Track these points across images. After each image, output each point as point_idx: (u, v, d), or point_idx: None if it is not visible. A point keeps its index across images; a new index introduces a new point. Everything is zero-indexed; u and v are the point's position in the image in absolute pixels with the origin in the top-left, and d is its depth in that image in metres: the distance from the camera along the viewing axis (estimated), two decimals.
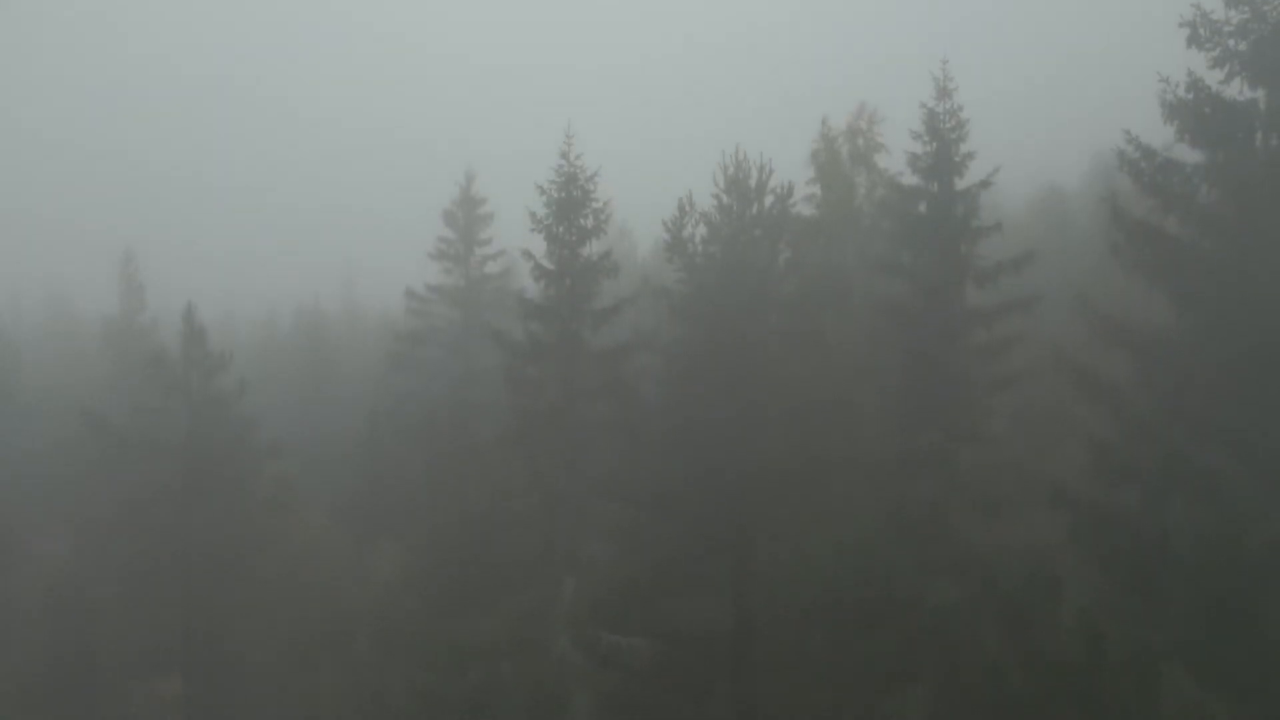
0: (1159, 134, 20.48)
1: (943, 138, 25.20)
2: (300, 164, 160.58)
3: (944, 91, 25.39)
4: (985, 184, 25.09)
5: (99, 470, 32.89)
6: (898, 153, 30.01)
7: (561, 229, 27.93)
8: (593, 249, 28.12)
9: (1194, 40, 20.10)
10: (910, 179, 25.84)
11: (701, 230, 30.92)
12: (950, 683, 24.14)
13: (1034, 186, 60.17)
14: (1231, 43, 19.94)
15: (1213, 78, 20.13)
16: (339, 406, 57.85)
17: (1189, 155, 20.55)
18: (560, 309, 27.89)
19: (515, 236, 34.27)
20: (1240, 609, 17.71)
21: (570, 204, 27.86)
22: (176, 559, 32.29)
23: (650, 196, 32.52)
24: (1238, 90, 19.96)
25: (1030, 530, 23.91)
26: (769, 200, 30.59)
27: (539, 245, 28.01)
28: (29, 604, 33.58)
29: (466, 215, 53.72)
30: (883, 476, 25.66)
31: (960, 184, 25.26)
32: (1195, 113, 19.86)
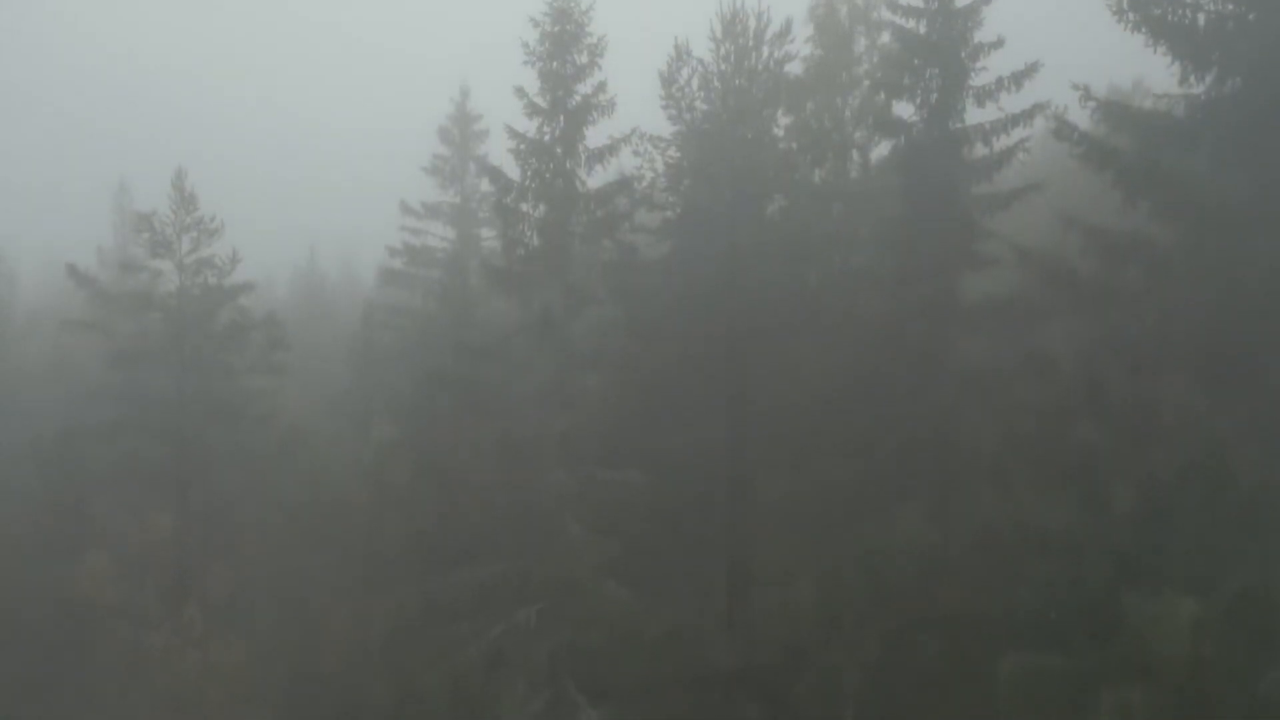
0: None
1: None
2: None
3: None
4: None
5: (87, 326, 32.42)
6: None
7: (555, 65, 27.52)
8: (587, 86, 27.71)
9: None
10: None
11: (696, 81, 30.77)
12: (948, 498, 23.92)
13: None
14: None
15: None
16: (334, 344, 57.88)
17: None
18: (554, 147, 27.50)
19: None
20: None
21: (564, 38, 27.42)
22: (168, 409, 31.95)
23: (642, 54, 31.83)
24: None
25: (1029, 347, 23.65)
26: (766, 52, 30.38)
27: (532, 83, 27.66)
28: (19, 454, 33.23)
29: (462, 131, 53.27)
30: (880, 300, 25.38)
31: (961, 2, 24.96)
32: None
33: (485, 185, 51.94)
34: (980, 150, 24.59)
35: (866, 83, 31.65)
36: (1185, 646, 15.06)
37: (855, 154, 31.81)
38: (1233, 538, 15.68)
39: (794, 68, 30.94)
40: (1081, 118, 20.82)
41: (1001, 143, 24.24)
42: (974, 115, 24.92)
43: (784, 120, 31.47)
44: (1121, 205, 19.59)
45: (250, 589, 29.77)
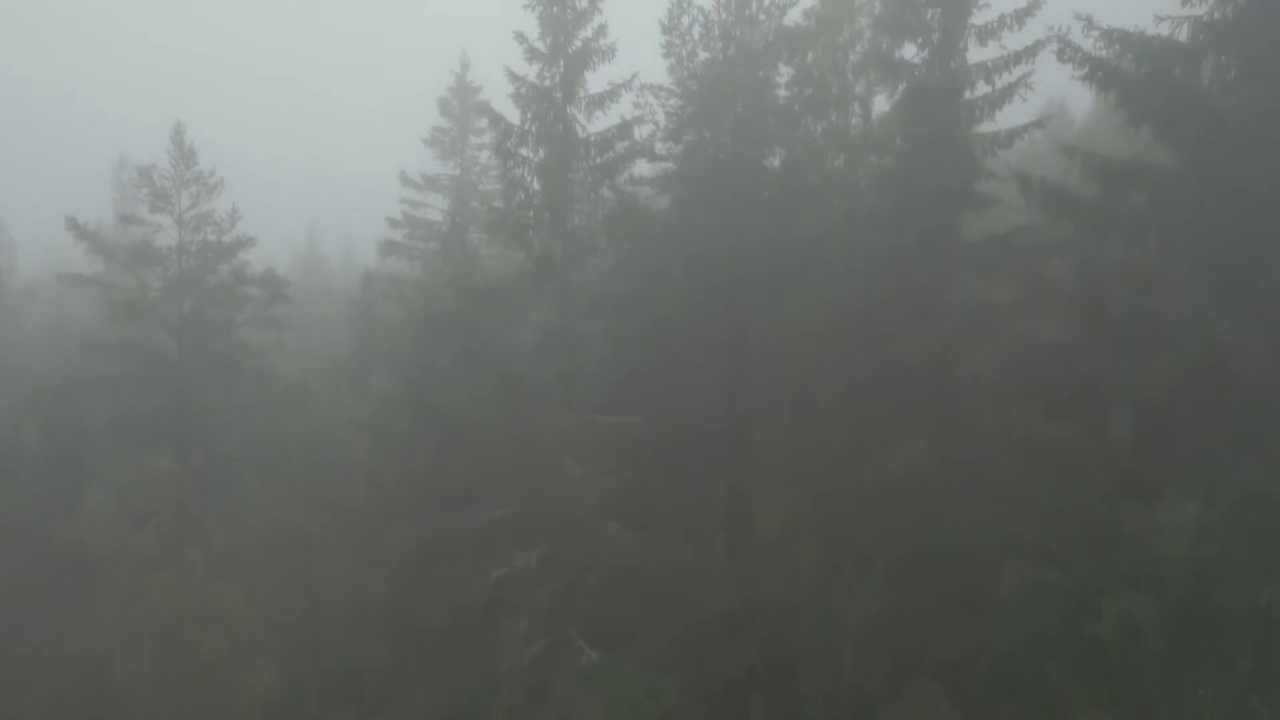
0: None
1: None
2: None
3: None
4: None
5: (86, 281, 32.33)
6: None
7: (555, 9, 27.44)
8: (588, 31, 27.63)
9: None
10: None
11: (697, 30, 30.74)
12: (948, 430, 23.88)
13: None
14: None
15: None
16: (334, 318, 57.84)
17: None
18: (553, 92, 27.43)
19: None
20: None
21: None
22: (167, 363, 31.88)
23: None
24: None
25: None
26: (766, 0, 30.37)
27: (532, 28, 27.59)
28: (19, 406, 33.18)
29: (461, 104, 53.22)
30: (881, 237, 25.36)
31: None
32: None
33: (485, 157, 52.49)
34: (983, 89, 24.51)
35: (868, 34, 31.57)
36: (1187, 549, 15.00)
37: (856, 106, 31.74)
38: (1236, 442, 15.62)
39: (795, 16, 31.02)
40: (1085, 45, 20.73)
41: (1004, 80, 24.16)
42: (975, 54, 24.96)
43: (785, 71, 31.48)
44: (1123, 127, 19.54)
45: (250, 535, 29.69)
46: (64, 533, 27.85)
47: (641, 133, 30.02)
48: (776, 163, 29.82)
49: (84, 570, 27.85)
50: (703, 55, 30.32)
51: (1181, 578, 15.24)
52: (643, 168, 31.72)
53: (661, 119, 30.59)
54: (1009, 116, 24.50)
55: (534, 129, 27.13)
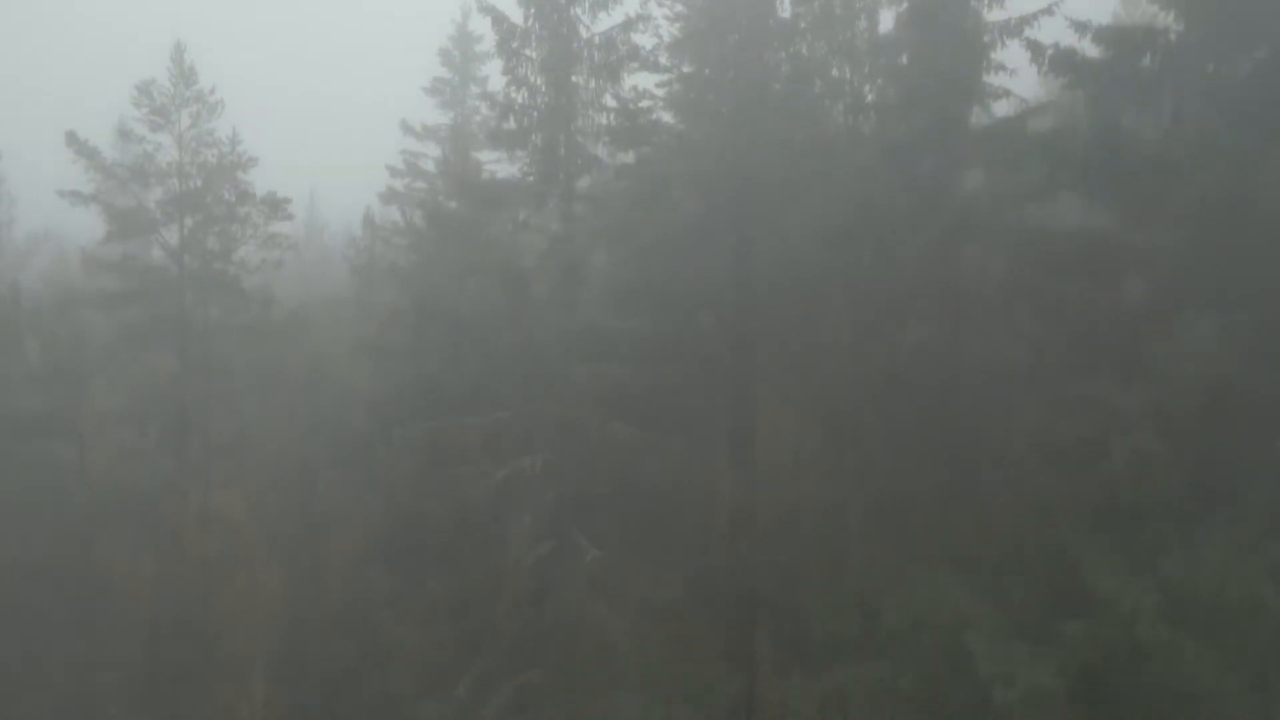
0: None
1: None
2: None
3: None
4: None
5: (85, 198, 32.08)
6: None
7: None
8: None
9: None
10: None
11: None
12: (957, 318, 23.67)
13: None
14: None
15: None
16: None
17: None
18: None
19: None
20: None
21: None
22: (167, 282, 31.71)
23: None
24: None
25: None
26: None
27: None
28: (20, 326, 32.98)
29: (463, 53, 53.00)
30: (884, 131, 25.14)
31: None
32: None
33: (484, 109, 52.25)
34: None
35: None
36: (1205, 368, 14.77)
37: (863, 20, 31.47)
38: (1256, 264, 15.35)
39: None
40: None
41: None
42: None
43: None
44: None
45: (252, 440, 29.51)
46: (66, 426, 27.57)
47: (645, 41, 29.89)
48: (784, 69, 29.56)
49: (84, 476, 27.68)
50: None
51: (1196, 405, 15.02)
52: (646, 81, 31.54)
53: (665, 32, 30.41)
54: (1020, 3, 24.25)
55: (537, 27, 26.90)
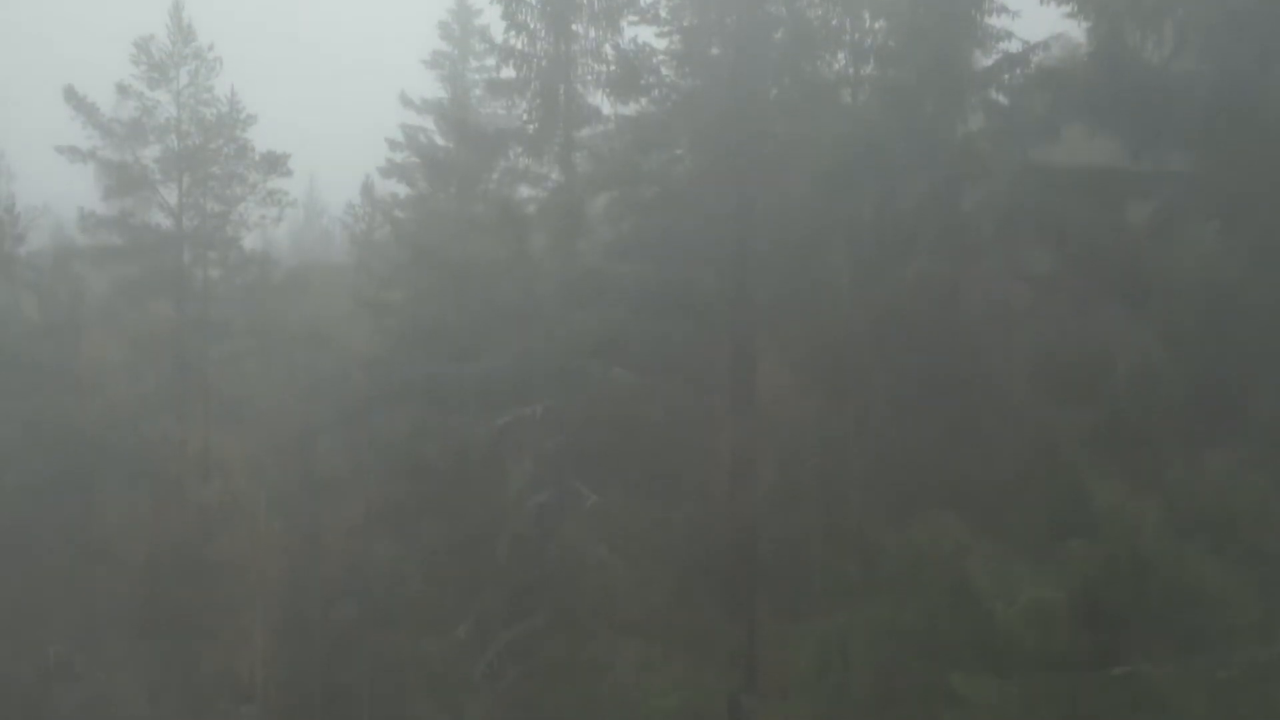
0: None
1: None
2: None
3: None
4: None
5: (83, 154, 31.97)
6: None
7: None
8: None
9: None
10: None
11: None
12: (958, 255, 23.60)
13: None
14: None
15: None
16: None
17: None
18: None
19: None
20: None
21: None
22: (164, 239, 31.67)
23: None
24: None
25: None
26: None
27: None
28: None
29: (463, 26, 52.85)
30: (888, 76, 25.07)
31: None
32: None
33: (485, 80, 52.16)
34: None
35: None
36: (1207, 276, 14.71)
37: None
38: (1258, 176, 15.27)
39: None
40: None
41: None
42: None
43: None
44: None
45: (251, 399, 29.44)
46: (65, 374, 27.45)
47: None
48: (784, 19, 29.43)
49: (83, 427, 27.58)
50: None
51: (1199, 323, 14.94)
52: (647, 34, 31.40)
53: None
54: None
55: None
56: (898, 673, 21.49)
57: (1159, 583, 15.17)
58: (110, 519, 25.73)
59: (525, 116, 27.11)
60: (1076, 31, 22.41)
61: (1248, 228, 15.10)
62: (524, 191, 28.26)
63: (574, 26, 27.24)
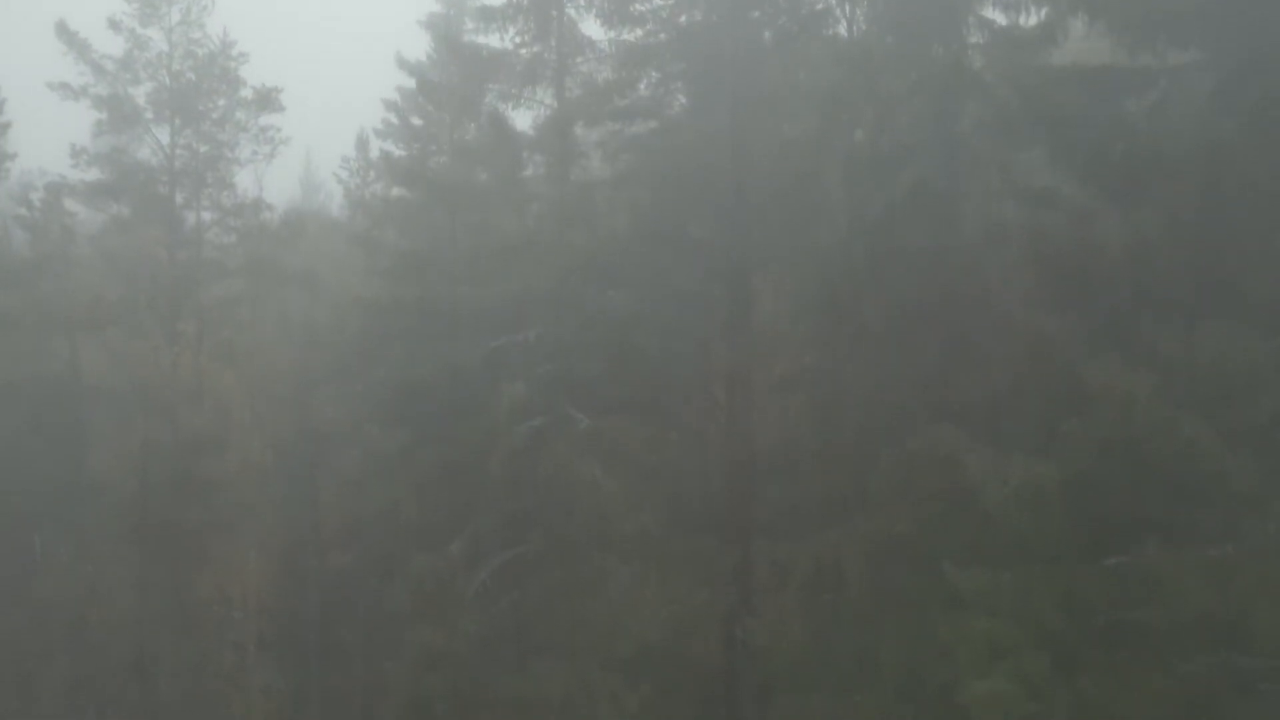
0: None
1: None
2: None
3: None
4: None
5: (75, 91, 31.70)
6: None
7: None
8: None
9: None
10: None
11: None
12: (952, 170, 23.43)
13: None
14: None
15: None
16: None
17: None
18: None
19: None
20: None
21: None
22: (155, 178, 31.49)
23: None
24: None
25: None
26: None
27: None
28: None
29: None
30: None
31: None
32: None
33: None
34: None
35: None
36: (1201, 132, 14.49)
37: None
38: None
39: None
40: None
41: None
42: None
43: None
44: None
45: (245, 343, 29.27)
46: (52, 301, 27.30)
47: None
48: None
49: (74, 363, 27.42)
50: None
51: (1193, 186, 14.77)
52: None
53: None
54: None
55: None
56: (893, 583, 21.45)
57: (1153, 458, 15.06)
58: (100, 442, 25.56)
59: (518, 40, 26.92)
60: None
61: (1249, 86, 14.89)
62: (518, 119, 28.06)
63: None
